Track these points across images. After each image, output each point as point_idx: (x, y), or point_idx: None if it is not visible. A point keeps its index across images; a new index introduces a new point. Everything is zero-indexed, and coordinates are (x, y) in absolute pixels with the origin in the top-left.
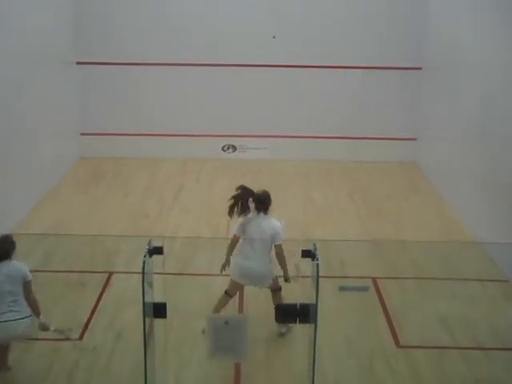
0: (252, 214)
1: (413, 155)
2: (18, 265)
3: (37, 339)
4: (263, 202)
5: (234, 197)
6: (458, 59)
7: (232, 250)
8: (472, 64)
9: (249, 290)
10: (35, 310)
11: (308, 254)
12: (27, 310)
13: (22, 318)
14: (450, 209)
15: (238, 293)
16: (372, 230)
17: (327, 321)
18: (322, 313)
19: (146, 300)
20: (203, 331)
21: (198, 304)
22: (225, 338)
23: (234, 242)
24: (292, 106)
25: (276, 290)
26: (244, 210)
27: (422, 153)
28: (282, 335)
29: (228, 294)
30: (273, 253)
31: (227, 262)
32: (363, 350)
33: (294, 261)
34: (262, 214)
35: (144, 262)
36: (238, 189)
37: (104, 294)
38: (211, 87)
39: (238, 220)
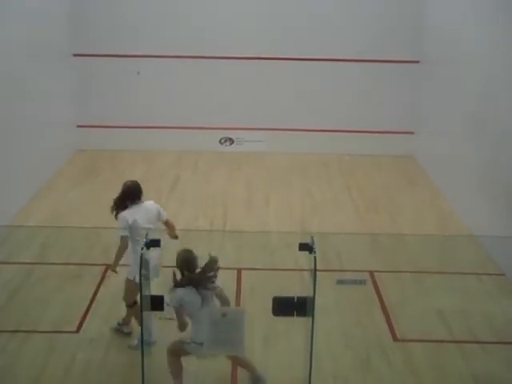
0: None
1: (410, 149)
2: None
3: None
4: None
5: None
6: (456, 53)
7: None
8: (470, 57)
9: (247, 281)
10: None
11: (305, 247)
12: None
13: None
14: (447, 202)
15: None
16: (369, 224)
17: (324, 314)
18: (319, 306)
19: (143, 293)
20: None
21: None
22: (222, 331)
23: (125, 244)
24: (289, 99)
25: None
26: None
27: (420, 146)
28: (130, 347)
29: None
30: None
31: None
32: (360, 343)
33: (291, 253)
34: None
35: (141, 255)
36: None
37: (101, 287)
38: (209, 80)
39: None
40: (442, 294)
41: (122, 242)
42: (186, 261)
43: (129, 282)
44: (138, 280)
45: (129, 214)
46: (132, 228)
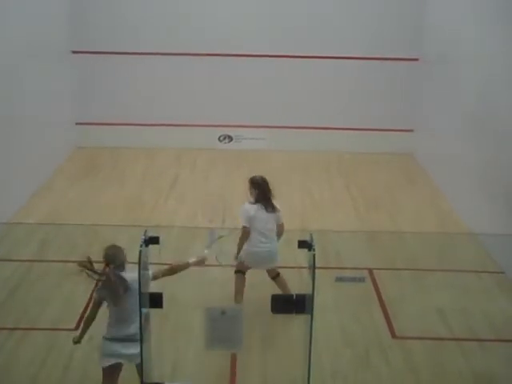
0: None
1: (410, 147)
2: None
3: None
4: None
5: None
6: (455, 50)
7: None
8: (470, 55)
9: (246, 279)
10: None
11: (304, 244)
12: None
13: None
14: (447, 200)
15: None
16: (368, 222)
17: (323, 311)
18: (318, 303)
19: (142, 290)
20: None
21: (195, 294)
22: (221, 328)
23: (246, 234)
24: (289, 96)
25: (277, 276)
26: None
27: (419, 144)
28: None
29: (241, 272)
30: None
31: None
32: (359, 341)
33: (290, 251)
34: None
35: (140, 252)
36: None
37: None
38: (208, 77)
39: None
40: (441, 292)
41: (243, 232)
42: None
43: (239, 263)
44: (243, 260)
45: (251, 207)
46: (252, 220)
